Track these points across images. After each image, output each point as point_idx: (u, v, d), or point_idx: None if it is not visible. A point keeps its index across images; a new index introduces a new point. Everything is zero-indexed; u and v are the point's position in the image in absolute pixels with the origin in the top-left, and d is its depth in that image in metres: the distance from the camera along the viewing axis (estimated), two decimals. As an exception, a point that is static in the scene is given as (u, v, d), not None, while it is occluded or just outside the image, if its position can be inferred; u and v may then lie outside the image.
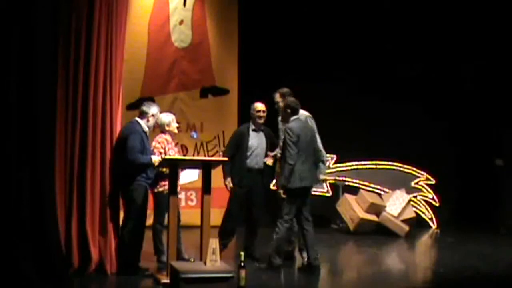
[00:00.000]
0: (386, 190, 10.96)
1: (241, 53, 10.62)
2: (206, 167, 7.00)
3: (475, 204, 11.27)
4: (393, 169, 11.14)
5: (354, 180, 11.06)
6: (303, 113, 7.90)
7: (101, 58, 7.08)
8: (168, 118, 7.56)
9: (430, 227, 11.15)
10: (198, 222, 6.91)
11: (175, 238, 6.81)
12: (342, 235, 10.39)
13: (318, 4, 10.85)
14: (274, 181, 8.26)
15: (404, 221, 10.35)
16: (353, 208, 10.39)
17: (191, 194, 10.29)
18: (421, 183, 11.15)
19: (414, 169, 11.15)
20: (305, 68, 10.67)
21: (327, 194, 10.94)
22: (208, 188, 6.91)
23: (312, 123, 7.86)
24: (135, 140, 6.99)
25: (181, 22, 10.43)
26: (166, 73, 10.37)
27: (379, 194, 10.86)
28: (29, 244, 6.56)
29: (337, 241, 9.91)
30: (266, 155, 7.99)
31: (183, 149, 10.30)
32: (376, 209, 10.42)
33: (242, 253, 6.51)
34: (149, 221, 7.84)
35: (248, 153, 7.94)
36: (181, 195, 9.96)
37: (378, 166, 11.14)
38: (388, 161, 11.11)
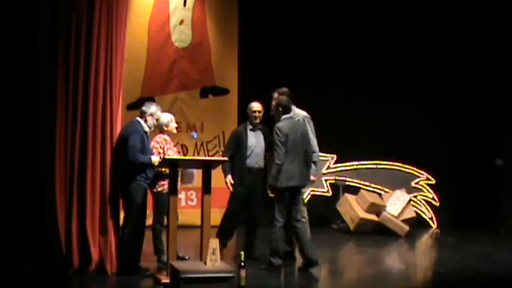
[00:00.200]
0: (386, 190, 10.96)
1: (241, 53, 10.62)
2: (206, 167, 7.00)
3: (475, 204, 11.27)
4: (393, 169, 11.15)
5: (354, 180, 11.07)
6: (301, 113, 7.92)
7: (101, 58, 7.08)
8: (166, 118, 7.59)
9: (430, 227, 11.15)
10: (198, 222, 6.90)
11: (175, 238, 6.81)
12: (342, 235, 10.39)
13: (318, 4, 10.85)
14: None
15: (404, 221, 10.35)
16: (353, 208, 10.39)
17: (191, 194, 10.30)
18: (421, 183, 11.15)
19: (414, 169, 11.15)
20: (305, 68, 10.67)
21: (327, 194, 10.95)
22: (208, 188, 6.91)
23: (309, 123, 7.86)
24: (136, 140, 7.00)
25: (181, 22, 10.43)
26: (166, 73, 10.37)
27: (379, 194, 10.86)
28: (29, 244, 6.56)
29: (337, 241, 9.91)
30: (266, 155, 8.00)
31: (183, 149, 10.31)
32: (376, 209, 10.42)
33: (242, 253, 6.51)
34: (149, 221, 7.85)
35: (248, 153, 7.96)
36: (181, 195, 9.99)
37: (378, 166, 11.15)
38: (388, 161, 11.11)
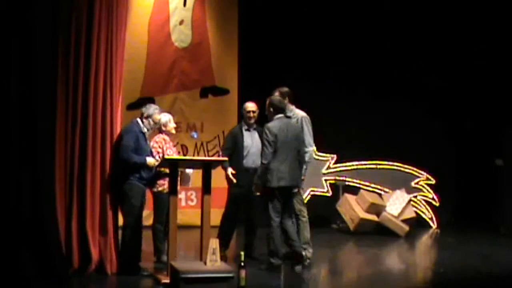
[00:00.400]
0: (386, 190, 10.96)
1: (241, 53, 10.61)
2: (206, 167, 6.99)
3: (475, 204, 11.27)
4: (393, 169, 11.14)
5: (354, 180, 11.06)
6: (300, 113, 7.92)
7: (101, 58, 7.08)
8: (165, 118, 7.62)
9: (430, 227, 11.15)
10: (198, 222, 6.90)
11: (175, 238, 6.80)
12: (342, 235, 10.38)
13: (318, 4, 10.85)
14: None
15: (404, 221, 10.35)
16: (353, 208, 10.39)
17: (191, 194, 10.30)
18: (421, 183, 11.15)
19: (414, 169, 11.14)
20: (305, 68, 10.66)
21: (327, 194, 10.94)
22: (208, 188, 6.91)
23: (306, 124, 7.84)
24: (129, 139, 7.01)
25: (181, 22, 10.43)
26: (166, 73, 10.37)
27: (379, 194, 10.86)
28: (29, 244, 6.56)
29: (337, 241, 9.91)
30: None
31: (183, 149, 10.31)
32: (376, 209, 10.42)
33: (242, 253, 6.51)
34: (149, 221, 7.85)
35: (244, 153, 7.95)
36: (181, 195, 9.99)
37: (378, 166, 11.14)
38: (388, 161, 11.11)
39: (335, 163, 11.00)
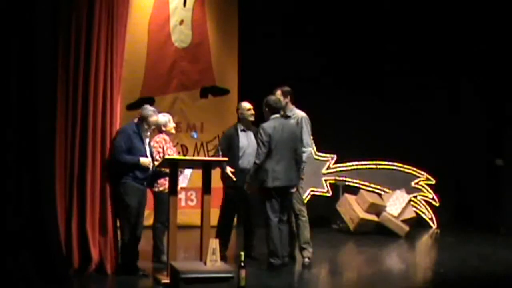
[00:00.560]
0: (386, 190, 10.96)
1: (241, 53, 10.61)
2: (206, 167, 6.99)
3: (475, 204, 11.27)
4: (393, 169, 11.14)
5: (354, 180, 11.06)
6: (299, 113, 7.92)
7: (101, 58, 7.08)
8: (164, 118, 7.64)
9: (430, 227, 11.15)
10: (198, 222, 6.91)
11: (175, 238, 6.80)
12: (342, 235, 10.38)
13: (318, 4, 10.85)
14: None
15: (404, 221, 10.35)
16: (353, 208, 10.39)
17: (191, 194, 10.30)
18: (421, 183, 11.15)
19: (414, 169, 11.14)
20: (305, 68, 10.66)
21: (327, 194, 10.94)
22: (208, 188, 6.91)
23: (306, 124, 7.84)
24: (120, 140, 7.01)
25: (181, 22, 10.43)
26: (166, 73, 10.37)
27: (379, 194, 10.86)
28: (29, 244, 6.56)
29: (337, 241, 9.91)
30: None
31: (183, 149, 10.31)
32: (376, 209, 10.42)
33: (242, 253, 6.51)
34: (150, 221, 7.85)
35: (240, 154, 7.95)
36: (181, 195, 9.99)
37: (378, 166, 11.14)
38: (388, 161, 11.11)
39: (335, 163, 11.00)
